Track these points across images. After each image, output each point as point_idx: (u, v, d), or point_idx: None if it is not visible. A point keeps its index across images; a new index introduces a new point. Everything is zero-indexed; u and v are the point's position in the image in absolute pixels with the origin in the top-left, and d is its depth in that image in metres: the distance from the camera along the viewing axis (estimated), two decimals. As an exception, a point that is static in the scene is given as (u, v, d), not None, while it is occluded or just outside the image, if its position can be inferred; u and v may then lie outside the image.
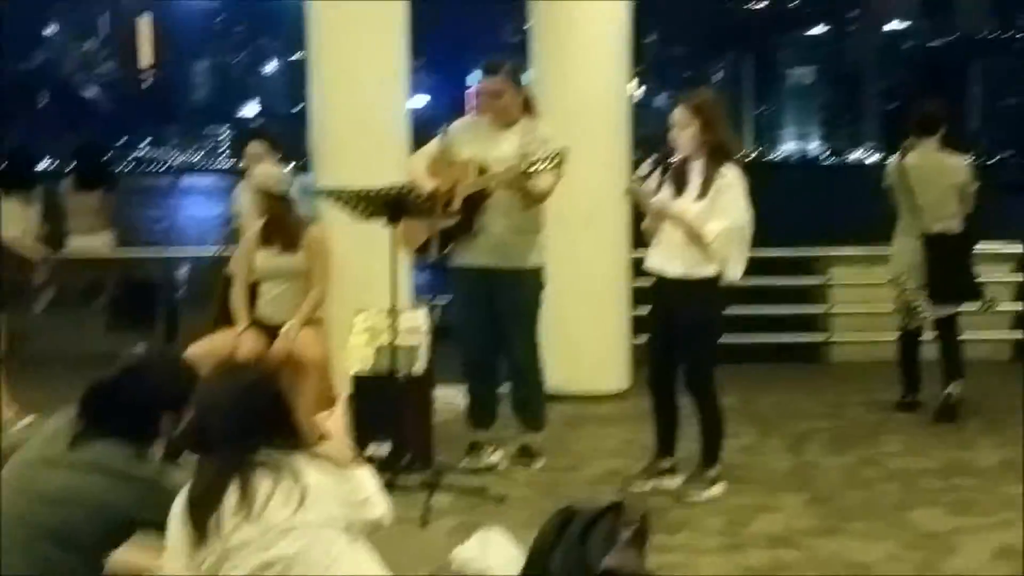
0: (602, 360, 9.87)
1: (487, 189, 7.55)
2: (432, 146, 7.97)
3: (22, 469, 4.51)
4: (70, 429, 4.44)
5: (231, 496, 4.05)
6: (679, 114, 7.10)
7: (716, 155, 7.04)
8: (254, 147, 9.67)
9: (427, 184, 7.59)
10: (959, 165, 9.69)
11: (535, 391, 8.01)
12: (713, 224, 6.92)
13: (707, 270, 7.03)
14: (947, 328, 9.57)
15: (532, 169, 7.30)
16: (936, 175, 9.46)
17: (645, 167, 7.12)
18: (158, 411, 4.48)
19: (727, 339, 12.04)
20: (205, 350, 8.07)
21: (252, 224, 8.43)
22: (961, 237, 9.47)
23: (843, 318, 12.41)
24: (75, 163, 12.58)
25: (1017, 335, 12.75)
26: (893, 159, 9.83)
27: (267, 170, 8.31)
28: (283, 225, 8.13)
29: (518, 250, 7.72)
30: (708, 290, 7.10)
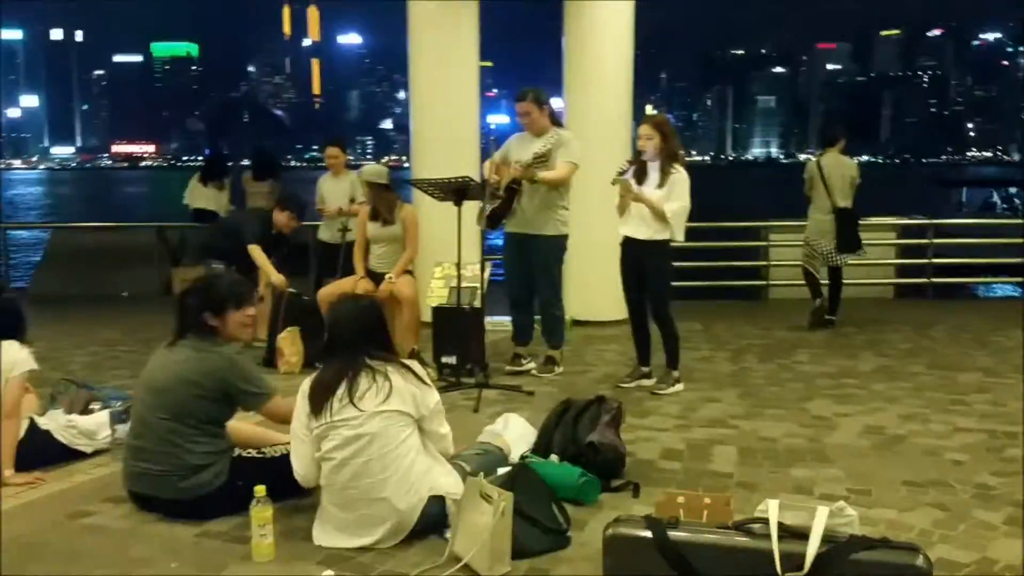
0: (610, 297, 9.73)
1: (521, 179, 7.47)
2: (497, 152, 7.92)
3: (146, 376, 4.66)
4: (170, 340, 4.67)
5: (342, 386, 4.14)
6: (645, 130, 7.07)
7: (670, 158, 7.02)
8: (332, 151, 9.73)
9: (492, 178, 7.51)
10: (852, 164, 10.02)
11: (556, 320, 7.91)
12: (672, 204, 6.92)
13: (665, 234, 7.01)
14: (836, 273, 10.09)
15: (531, 164, 7.29)
16: (839, 170, 9.85)
17: (623, 166, 7.03)
18: (204, 312, 4.62)
19: (699, 281, 12.21)
20: (333, 289, 8.17)
21: (365, 205, 8.39)
22: (853, 211, 9.88)
23: (777, 269, 12.33)
24: (252, 161, 12.59)
25: (897, 280, 12.80)
26: (811, 160, 10.19)
27: (372, 167, 8.26)
28: (385, 205, 8.10)
29: (541, 222, 7.61)
30: (665, 248, 7.07)
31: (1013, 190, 26.75)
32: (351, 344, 4.26)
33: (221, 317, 4.64)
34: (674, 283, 7.53)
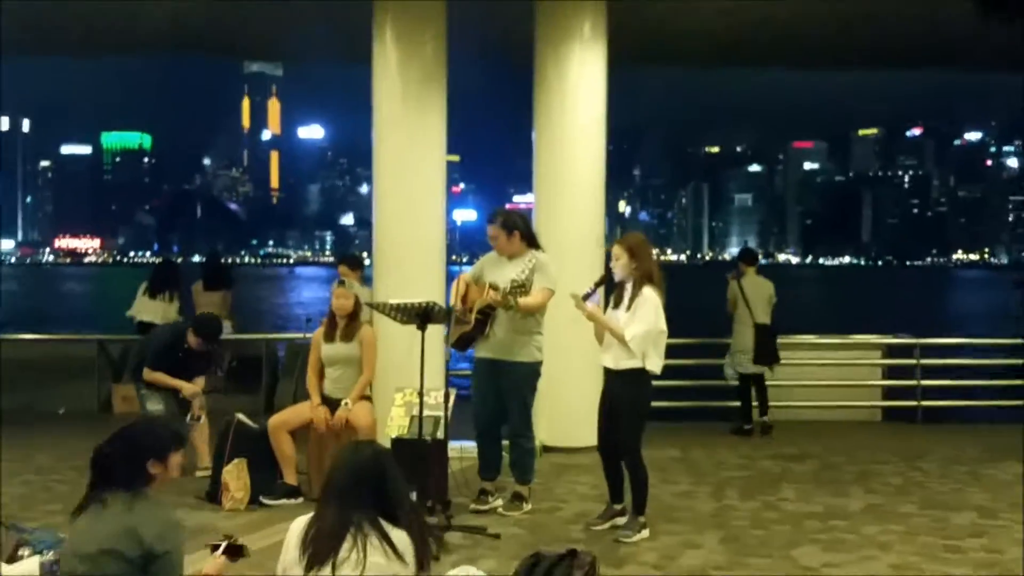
0: (581, 421, 9.59)
1: (494, 303, 7.41)
2: (468, 272, 7.89)
3: (74, 542, 4.39)
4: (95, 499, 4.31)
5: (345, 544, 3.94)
6: (615, 250, 7.16)
7: (641, 279, 7.02)
8: (343, 269, 10.11)
9: (457, 305, 7.57)
10: (769, 284, 11.39)
11: (526, 453, 7.80)
12: (632, 328, 6.89)
13: (632, 363, 6.94)
14: (759, 381, 11.28)
15: (509, 292, 7.20)
16: (758, 290, 11.27)
17: (589, 287, 7.05)
18: (150, 460, 4.32)
19: (677, 403, 12.05)
20: (286, 416, 8.06)
21: (325, 321, 8.36)
22: (771, 326, 11.21)
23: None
24: (203, 270, 12.49)
25: (885, 404, 12.83)
26: (732, 282, 11.33)
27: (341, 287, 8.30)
28: (349, 321, 8.13)
29: (517, 348, 7.57)
30: (634, 378, 6.98)
31: None
32: (345, 494, 4.03)
33: (164, 462, 4.46)
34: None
